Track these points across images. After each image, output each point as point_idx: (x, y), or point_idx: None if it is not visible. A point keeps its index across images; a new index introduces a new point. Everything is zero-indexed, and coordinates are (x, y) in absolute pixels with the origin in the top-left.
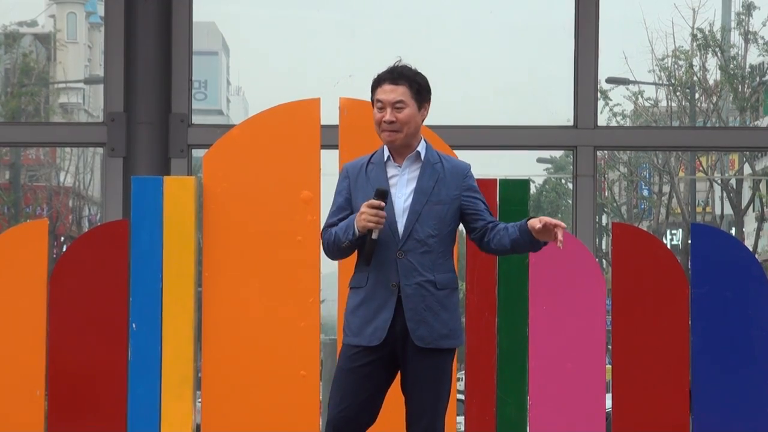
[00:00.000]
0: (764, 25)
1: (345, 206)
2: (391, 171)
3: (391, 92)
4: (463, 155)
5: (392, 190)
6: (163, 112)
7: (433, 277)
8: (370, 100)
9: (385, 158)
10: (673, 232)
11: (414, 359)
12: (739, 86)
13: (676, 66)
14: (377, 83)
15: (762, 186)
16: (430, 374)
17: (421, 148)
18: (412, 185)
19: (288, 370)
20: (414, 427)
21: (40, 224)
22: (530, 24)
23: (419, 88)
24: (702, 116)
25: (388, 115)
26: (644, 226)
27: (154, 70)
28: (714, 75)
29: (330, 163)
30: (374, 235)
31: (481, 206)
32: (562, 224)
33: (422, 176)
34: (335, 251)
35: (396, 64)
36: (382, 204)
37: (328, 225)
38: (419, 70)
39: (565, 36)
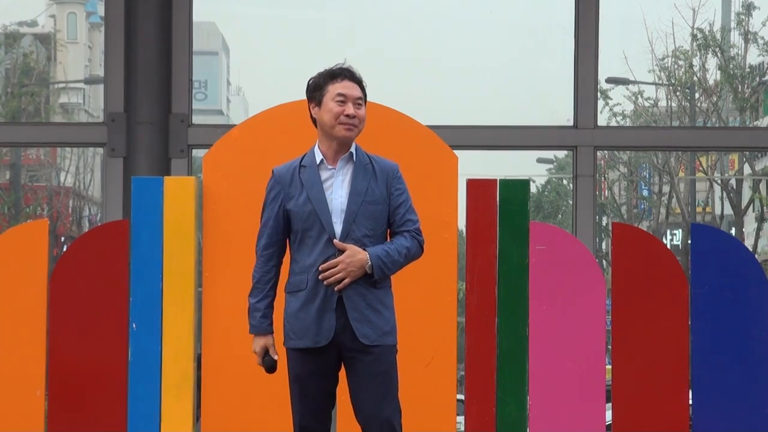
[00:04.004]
0: (764, 25)
1: (277, 216)
2: (325, 174)
3: (353, 88)
4: (463, 155)
5: (327, 193)
6: (163, 112)
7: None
8: (310, 96)
9: (318, 161)
10: (673, 232)
11: (359, 358)
12: (739, 86)
13: (676, 66)
14: (331, 78)
15: (762, 186)
16: (378, 370)
17: (353, 149)
18: (347, 186)
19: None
20: (372, 423)
21: (40, 224)
22: (530, 24)
23: (365, 93)
24: (702, 116)
25: (351, 109)
26: (644, 226)
27: (154, 70)
28: (714, 75)
29: None
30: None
31: (401, 210)
32: (328, 270)
33: (356, 177)
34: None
35: (345, 65)
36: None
37: (263, 248)
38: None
39: (565, 36)
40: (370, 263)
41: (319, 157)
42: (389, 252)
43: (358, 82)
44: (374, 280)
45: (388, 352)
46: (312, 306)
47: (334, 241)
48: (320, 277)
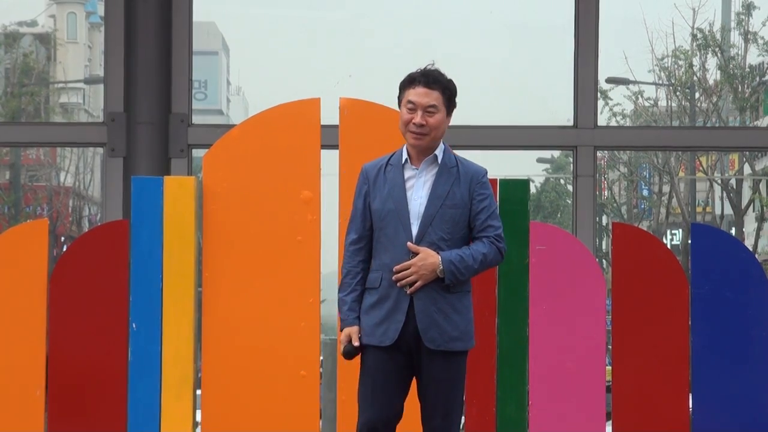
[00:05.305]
0: (764, 25)
1: (364, 211)
2: (408, 173)
3: (425, 96)
4: (463, 155)
5: (408, 193)
6: (163, 112)
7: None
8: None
9: (403, 160)
10: (673, 232)
11: (426, 361)
12: (739, 86)
13: (676, 66)
14: (409, 83)
15: (762, 186)
16: (441, 376)
17: (439, 151)
18: (428, 188)
19: (288, 370)
20: (426, 428)
21: (40, 224)
22: (530, 24)
23: (450, 96)
24: (702, 116)
25: (418, 118)
26: (644, 226)
27: (154, 70)
28: (714, 75)
29: (330, 163)
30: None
31: (482, 216)
32: (401, 271)
33: (438, 180)
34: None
35: (429, 68)
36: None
37: (351, 243)
38: (450, 77)
39: (565, 36)
40: (441, 267)
41: (404, 156)
42: (463, 257)
43: (435, 87)
44: (447, 284)
45: (456, 358)
46: (384, 305)
47: (408, 243)
48: (393, 278)
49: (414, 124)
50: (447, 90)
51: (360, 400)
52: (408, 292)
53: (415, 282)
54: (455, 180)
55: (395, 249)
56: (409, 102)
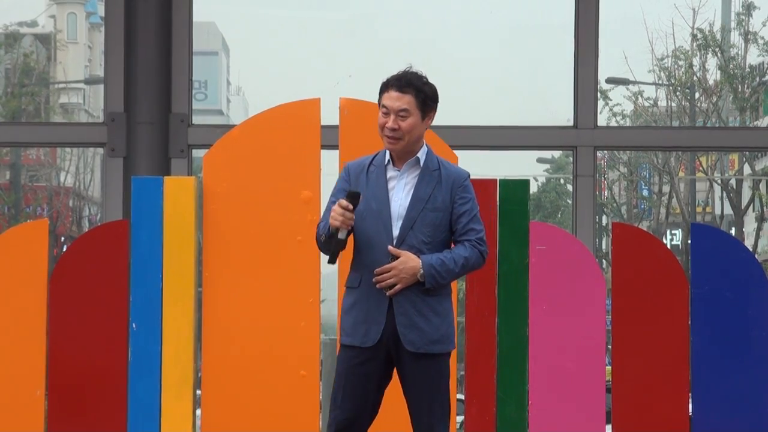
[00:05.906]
0: (764, 25)
1: None
2: (390, 174)
3: (396, 100)
4: (463, 155)
5: (390, 194)
6: (163, 112)
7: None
8: (376, 101)
9: (386, 161)
10: (673, 232)
11: (407, 363)
12: (739, 86)
13: (676, 66)
14: (385, 87)
15: (762, 186)
16: (423, 378)
17: (422, 154)
18: (410, 191)
19: (288, 370)
20: (415, 429)
21: (40, 224)
22: (530, 24)
23: (425, 98)
24: (702, 116)
25: (390, 122)
26: (644, 226)
27: (154, 70)
28: (714, 75)
29: (330, 163)
30: (341, 235)
31: (463, 220)
32: (379, 274)
33: (420, 183)
34: (319, 245)
35: (406, 71)
36: (350, 206)
37: (320, 221)
38: (428, 79)
39: (565, 36)
40: (422, 272)
41: (387, 157)
42: (444, 261)
43: (408, 90)
44: (427, 288)
45: (437, 360)
46: (363, 306)
47: (389, 247)
48: (374, 280)
49: (387, 128)
50: (421, 93)
51: (330, 399)
52: (387, 294)
53: (395, 285)
54: (437, 183)
55: (376, 250)
56: (383, 106)
